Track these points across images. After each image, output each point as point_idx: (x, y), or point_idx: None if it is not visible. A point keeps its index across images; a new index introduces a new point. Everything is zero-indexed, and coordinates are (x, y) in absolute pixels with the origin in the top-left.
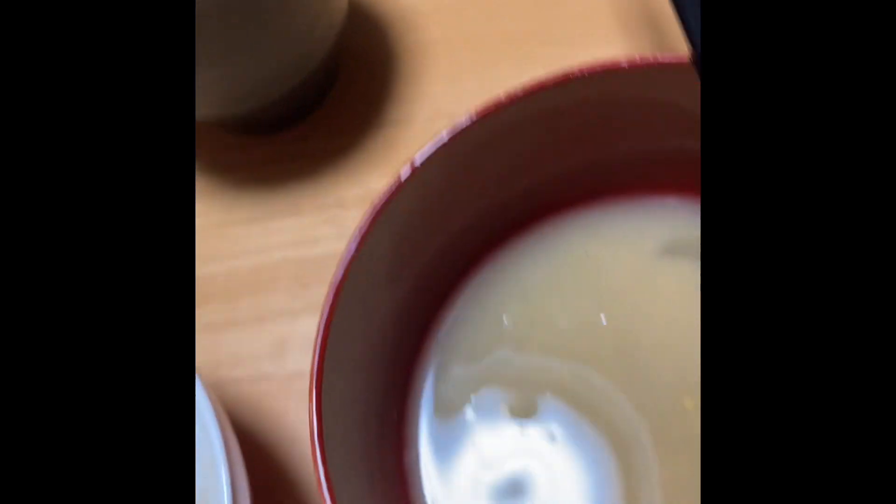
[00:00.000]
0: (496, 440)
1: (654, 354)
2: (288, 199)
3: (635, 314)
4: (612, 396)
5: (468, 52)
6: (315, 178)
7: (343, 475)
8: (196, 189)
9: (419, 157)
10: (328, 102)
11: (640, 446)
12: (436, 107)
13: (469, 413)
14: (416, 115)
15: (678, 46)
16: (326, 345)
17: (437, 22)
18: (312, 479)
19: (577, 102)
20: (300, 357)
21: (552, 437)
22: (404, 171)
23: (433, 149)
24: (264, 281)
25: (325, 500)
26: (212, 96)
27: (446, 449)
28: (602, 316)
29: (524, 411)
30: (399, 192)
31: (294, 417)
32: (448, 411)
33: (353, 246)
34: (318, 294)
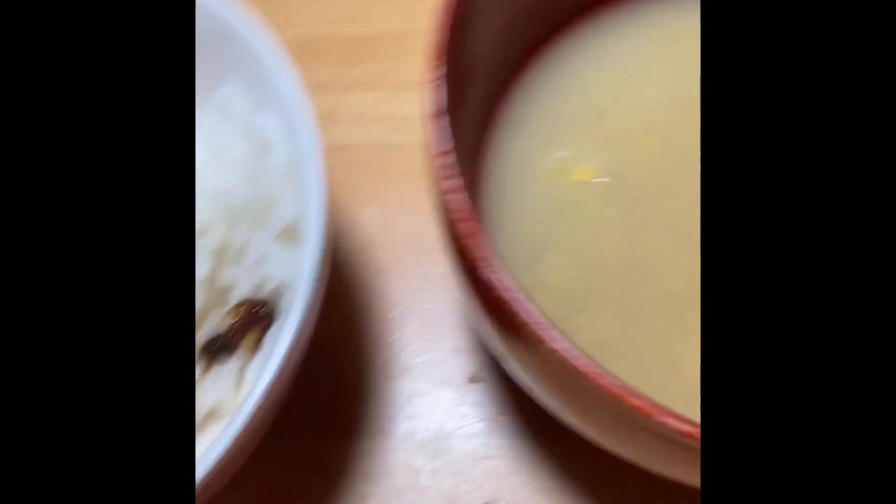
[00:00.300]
0: (568, 197)
1: None
2: None
3: None
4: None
5: None
6: None
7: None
8: None
9: None
10: None
11: None
12: None
13: (544, 171)
14: None
15: None
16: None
17: None
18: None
19: None
20: (347, 130)
21: (633, 197)
22: None
23: None
24: (312, 54)
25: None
26: None
27: (517, 201)
28: (692, 89)
29: (605, 173)
30: None
31: (339, 192)
32: (523, 166)
33: None
34: (368, 71)
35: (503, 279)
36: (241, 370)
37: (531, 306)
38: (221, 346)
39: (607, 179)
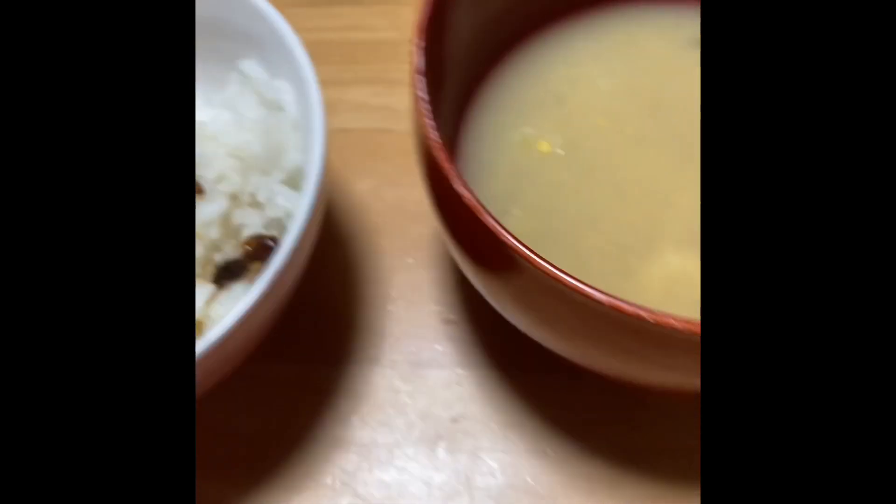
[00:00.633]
0: (531, 165)
1: (679, 116)
2: None
3: (664, 84)
4: (638, 141)
5: None
6: None
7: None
8: None
9: None
10: None
11: (658, 179)
12: None
13: (513, 143)
14: None
15: None
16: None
17: None
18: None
19: None
20: (347, 117)
21: (586, 166)
22: None
23: None
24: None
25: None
26: None
27: (489, 166)
28: (637, 82)
29: (562, 147)
30: None
31: (339, 166)
32: (495, 138)
33: None
34: (367, 70)
35: (479, 204)
36: (245, 290)
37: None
38: (233, 271)
39: (563, 152)
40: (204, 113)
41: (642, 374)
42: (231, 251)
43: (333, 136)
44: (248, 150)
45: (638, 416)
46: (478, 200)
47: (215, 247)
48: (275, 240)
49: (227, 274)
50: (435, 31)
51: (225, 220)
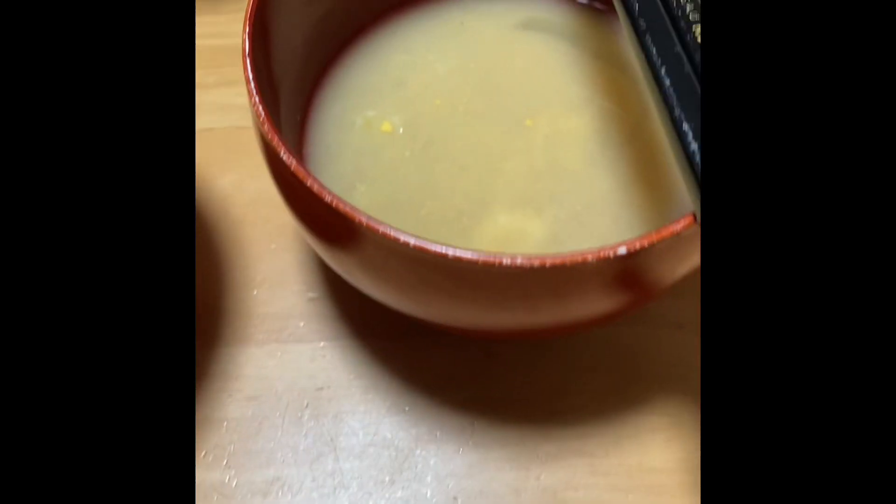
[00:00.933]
0: (374, 144)
1: (508, 93)
2: (212, 1)
3: (495, 65)
4: (470, 117)
5: None
6: None
7: None
8: None
9: None
10: None
11: (488, 149)
12: None
13: (356, 126)
14: None
15: None
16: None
17: None
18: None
19: None
20: (211, 117)
21: (424, 142)
22: None
23: None
24: None
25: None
26: None
27: (335, 149)
28: (470, 65)
29: (402, 126)
30: None
31: (203, 164)
32: (339, 123)
33: None
34: (230, 72)
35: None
36: None
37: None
38: None
39: (403, 131)
40: None
41: (479, 318)
42: None
43: (198, 136)
44: None
45: (489, 368)
46: (314, 178)
47: None
48: None
49: None
50: (265, 21)
51: None
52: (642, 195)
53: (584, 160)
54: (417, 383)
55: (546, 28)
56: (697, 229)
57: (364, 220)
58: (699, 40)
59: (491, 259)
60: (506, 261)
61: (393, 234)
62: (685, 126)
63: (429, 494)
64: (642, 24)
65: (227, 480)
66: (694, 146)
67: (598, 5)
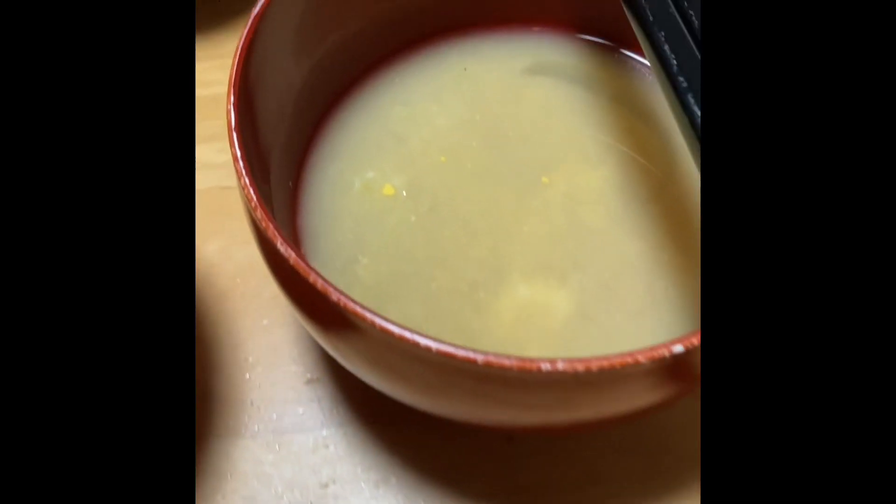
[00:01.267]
0: (375, 209)
1: (519, 146)
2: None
3: (503, 115)
4: (480, 175)
5: None
6: (214, 32)
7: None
8: None
9: None
10: None
11: (502, 211)
12: None
13: (355, 189)
14: None
15: None
16: (240, 90)
17: None
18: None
19: None
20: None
21: (430, 205)
22: None
23: None
24: None
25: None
26: None
27: (333, 216)
28: (475, 116)
29: (405, 188)
30: None
31: None
32: (336, 186)
33: (260, 5)
34: (208, 126)
35: (303, 263)
36: None
37: (340, 292)
38: None
39: (406, 193)
40: None
41: (508, 419)
42: None
43: None
44: None
45: (511, 454)
46: (302, 258)
47: None
48: None
49: None
50: (250, 85)
51: None
52: (676, 258)
53: (607, 219)
54: (433, 474)
55: (556, 71)
56: None
57: (378, 321)
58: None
59: (528, 365)
60: (545, 366)
61: (411, 337)
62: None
63: None
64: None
65: None
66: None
67: (608, 42)
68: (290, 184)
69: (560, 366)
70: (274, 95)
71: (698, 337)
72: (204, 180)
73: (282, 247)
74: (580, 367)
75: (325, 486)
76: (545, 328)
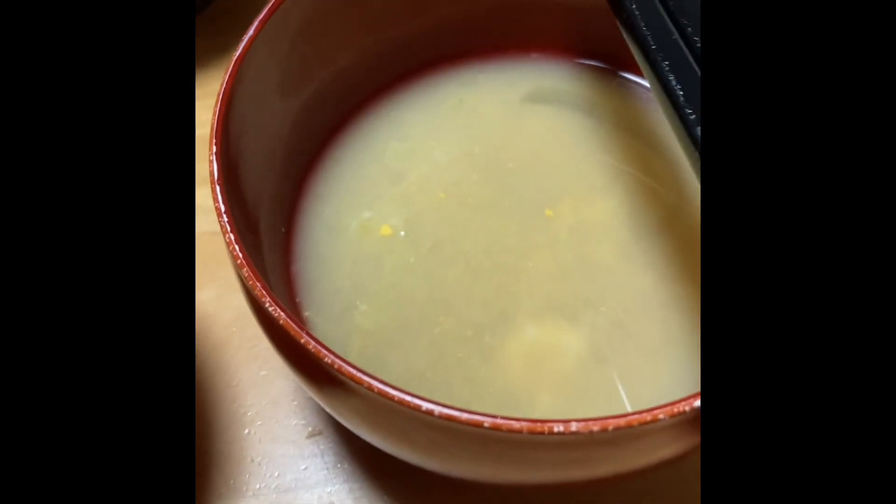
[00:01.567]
0: (373, 251)
1: (521, 179)
2: None
3: (503, 146)
4: (481, 211)
5: None
6: (203, 70)
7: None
8: None
9: None
10: (216, 3)
11: (506, 248)
12: None
13: (351, 230)
14: None
15: None
16: (224, 127)
17: None
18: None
19: None
20: None
21: (431, 245)
22: None
23: None
24: None
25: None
26: None
27: (329, 260)
28: (475, 149)
29: (404, 228)
30: (281, 6)
31: None
32: (331, 229)
33: (244, 44)
34: (201, 169)
35: (290, 321)
36: None
37: (334, 354)
38: None
39: (405, 233)
40: None
41: (519, 479)
42: None
43: None
44: None
45: None
46: (293, 316)
47: None
48: None
49: None
50: (235, 131)
51: None
52: (692, 290)
53: (617, 253)
54: None
55: (556, 98)
56: None
57: (375, 385)
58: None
59: (538, 427)
60: (558, 428)
61: (412, 401)
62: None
63: None
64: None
65: None
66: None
67: (606, 66)
68: (283, 228)
69: (574, 427)
70: (261, 139)
71: None
72: (196, 224)
73: (271, 307)
74: (596, 428)
75: None
76: (556, 372)
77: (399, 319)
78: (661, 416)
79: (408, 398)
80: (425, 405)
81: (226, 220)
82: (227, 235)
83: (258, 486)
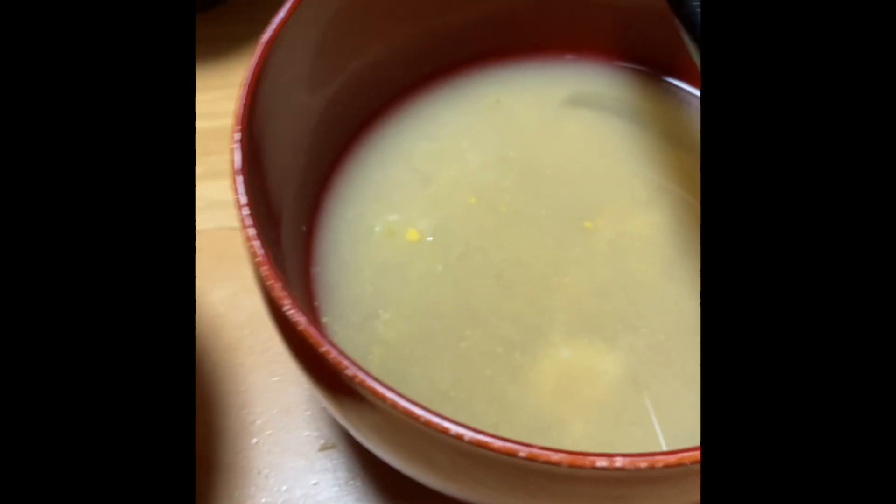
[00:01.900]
0: (398, 257)
1: (559, 187)
2: (198, 76)
3: (540, 152)
4: (514, 219)
5: None
6: (225, 60)
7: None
8: None
9: None
10: None
11: (540, 260)
12: None
13: (375, 234)
14: None
15: None
16: (248, 124)
17: None
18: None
19: None
20: (199, 216)
21: (460, 253)
22: None
23: None
24: None
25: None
26: None
27: (351, 264)
28: (509, 153)
29: (432, 233)
30: None
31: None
32: (354, 231)
33: (274, 28)
34: (219, 161)
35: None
36: None
37: (353, 363)
38: None
39: (433, 239)
40: None
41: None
42: None
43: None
44: None
45: None
46: (314, 321)
47: None
48: None
49: None
50: (259, 120)
51: None
52: None
53: (659, 271)
54: None
55: (598, 103)
56: None
57: (400, 402)
58: None
59: (579, 461)
60: (601, 463)
61: (439, 423)
62: None
63: None
64: None
65: None
66: None
67: (650, 70)
68: (304, 228)
69: (619, 462)
70: (287, 130)
71: None
72: (211, 219)
73: (290, 311)
74: (643, 465)
75: None
76: (590, 397)
77: (423, 331)
78: None
79: (435, 419)
80: (454, 429)
81: (246, 212)
82: (246, 230)
83: (263, 501)
